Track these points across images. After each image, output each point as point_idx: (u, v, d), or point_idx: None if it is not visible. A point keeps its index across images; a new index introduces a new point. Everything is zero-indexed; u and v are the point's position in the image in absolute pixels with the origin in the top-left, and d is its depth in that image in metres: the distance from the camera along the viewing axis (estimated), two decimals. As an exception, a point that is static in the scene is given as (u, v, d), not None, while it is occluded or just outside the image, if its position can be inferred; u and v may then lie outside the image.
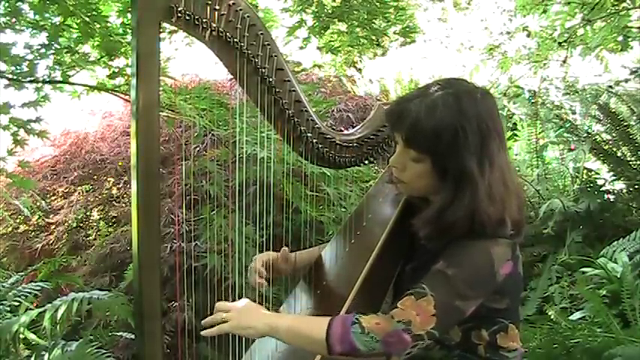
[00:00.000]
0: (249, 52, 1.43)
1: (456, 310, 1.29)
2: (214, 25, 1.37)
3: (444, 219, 1.31)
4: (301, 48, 3.98)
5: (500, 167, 1.33)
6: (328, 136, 1.60)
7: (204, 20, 1.35)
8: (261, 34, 1.44)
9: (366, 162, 1.73)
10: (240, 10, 1.40)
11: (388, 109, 1.43)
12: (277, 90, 1.50)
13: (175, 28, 1.41)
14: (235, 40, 1.40)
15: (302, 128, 1.56)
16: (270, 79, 1.48)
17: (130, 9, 2.66)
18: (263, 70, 1.47)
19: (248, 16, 1.41)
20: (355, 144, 1.65)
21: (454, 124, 1.29)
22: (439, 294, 1.26)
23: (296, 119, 1.54)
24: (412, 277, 1.43)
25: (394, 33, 4.36)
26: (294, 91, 1.52)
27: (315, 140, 1.58)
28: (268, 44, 1.45)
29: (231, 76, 1.49)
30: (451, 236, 1.31)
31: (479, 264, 1.30)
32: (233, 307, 1.35)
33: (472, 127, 1.29)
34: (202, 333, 1.36)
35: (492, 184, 1.30)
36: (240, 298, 1.40)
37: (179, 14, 1.30)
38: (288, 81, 1.51)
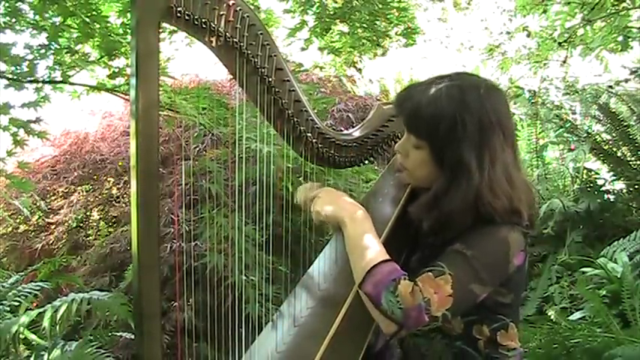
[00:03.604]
0: (249, 51, 1.43)
1: (471, 294, 1.28)
2: (214, 25, 1.37)
3: (439, 208, 1.32)
4: (303, 49, 3.98)
5: (503, 164, 1.32)
6: (328, 136, 1.60)
7: (203, 20, 1.35)
8: (261, 33, 1.44)
9: (366, 162, 1.72)
10: (240, 10, 1.40)
11: (399, 92, 1.47)
12: (276, 90, 1.50)
13: (175, 28, 1.41)
14: (235, 39, 1.40)
15: (301, 128, 1.55)
16: (270, 79, 1.48)
17: (129, 9, 2.66)
18: (262, 70, 1.46)
19: (247, 16, 1.41)
20: (354, 144, 1.65)
21: (454, 115, 1.30)
22: (457, 273, 1.26)
23: (295, 119, 1.54)
24: (418, 269, 1.43)
25: (396, 34, 4.36)
26: (293, 90, 1.52)
27: (314, 140, 1.57)
28: (268, 44, 1.45)
29: (231, 76, 1.49)
30: (454, 228, 1.31)
31: (496, 248, 1.31)
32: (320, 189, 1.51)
33: (473, 119, 1.30)
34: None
35: (494, 179, 1.30)
36: (240, 297, 1.40)
37: (178, 14, 1.30)
38: (288, 81, 1.51)
